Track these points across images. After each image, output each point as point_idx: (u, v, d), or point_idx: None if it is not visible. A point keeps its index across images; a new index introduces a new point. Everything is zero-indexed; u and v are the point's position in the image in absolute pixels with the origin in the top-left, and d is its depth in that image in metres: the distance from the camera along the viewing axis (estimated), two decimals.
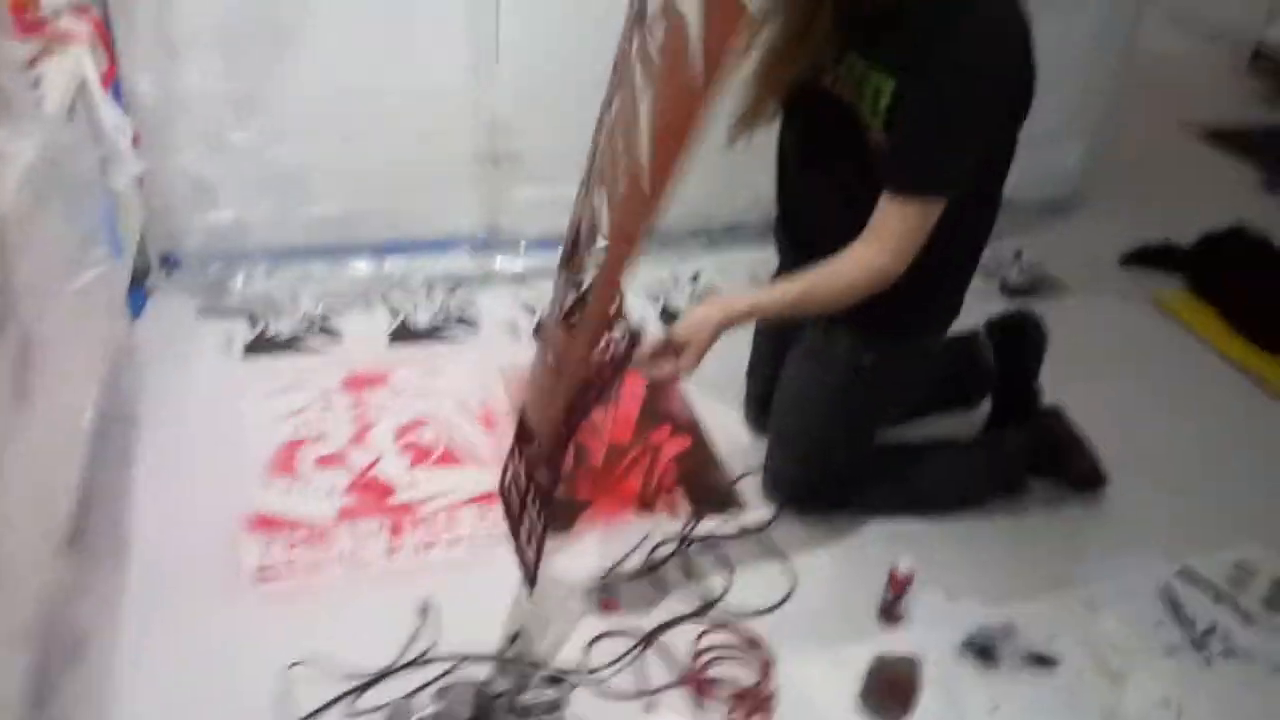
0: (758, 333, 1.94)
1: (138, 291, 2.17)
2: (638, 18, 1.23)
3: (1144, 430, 2.09)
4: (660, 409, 2.03)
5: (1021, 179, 2.90)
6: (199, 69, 2.02)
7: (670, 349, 1.42)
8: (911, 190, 1.40)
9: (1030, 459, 1.83)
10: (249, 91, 2.08)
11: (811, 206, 1.64)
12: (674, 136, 1.10)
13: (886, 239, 1.41)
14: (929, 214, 1.40)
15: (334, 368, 2.06)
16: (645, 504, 1.79)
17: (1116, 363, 2.32)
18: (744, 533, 1.74)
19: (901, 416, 1.90)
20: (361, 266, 2.32)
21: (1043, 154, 2.83)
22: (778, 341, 1.80)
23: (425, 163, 2.30)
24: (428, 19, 2.15)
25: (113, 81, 1.82)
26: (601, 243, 1.31)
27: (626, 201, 1.22)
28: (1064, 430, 1.86)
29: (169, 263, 2.22)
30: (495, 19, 2.18)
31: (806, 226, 1.66)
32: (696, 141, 1.09)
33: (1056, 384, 1.97)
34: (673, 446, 1.93)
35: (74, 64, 1.53)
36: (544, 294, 2.34)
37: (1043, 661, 1.55)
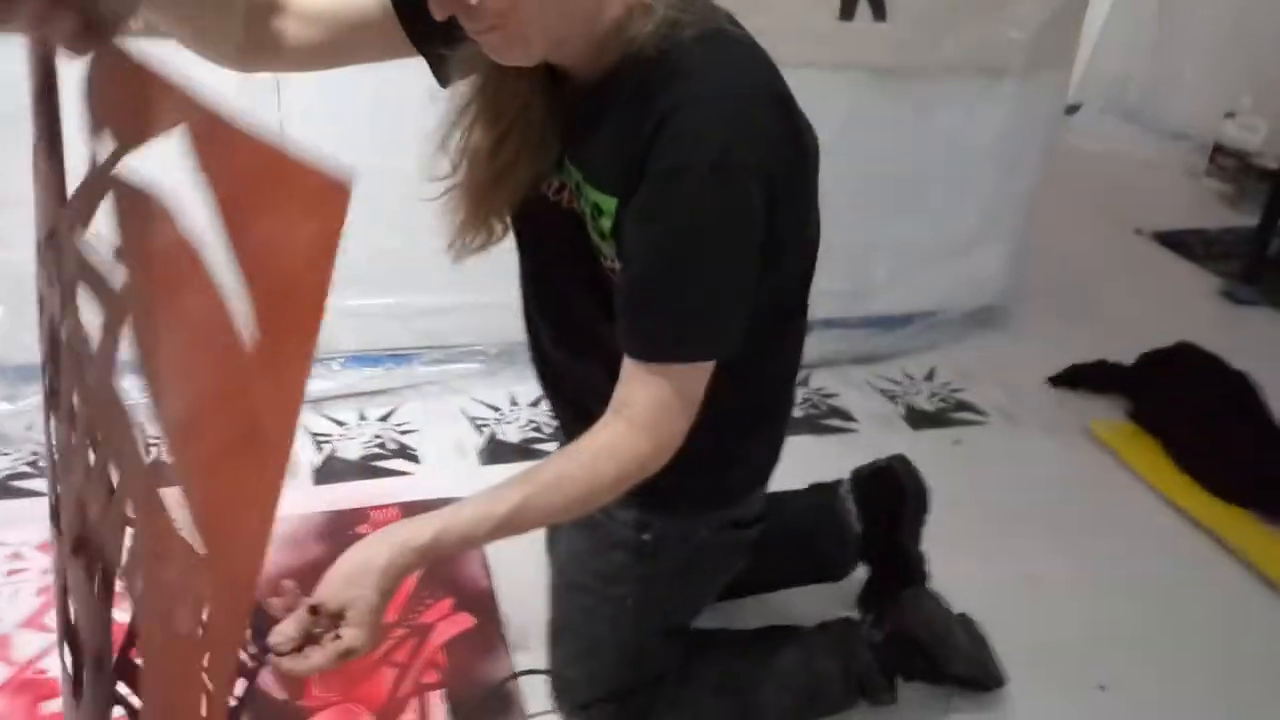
0: None
1: None
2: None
3: (1064, 607, 1.68)
4: (447, 573, 1.61)
5: (938, 288, 2.63)
6: None
7: (323, 623, 0.93)
8: (655, 359, 0.99)
9: (895, 658, 1.40)
10: None
11: (555, 344, 1.23)
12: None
13: (641, 417, 0.99)
14: (690, 379, 1.00)
15: (42, 520, 1.65)
16: (388, 713, 1.37)
17: (1037, 512, 1.90)
18: None
19: (737, 594, 1.48)
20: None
21: (960, 261, 2.49)
22: None
23: None
24: None
25: None
26: None
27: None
28: (934, 619, 1.43)
29: None
30: (275, 102, 1.85)
31: (554, 371, 1.26)
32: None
33: (965, 538, 1.59)
34: (448, 628, 1.51)
35: None
36: (344, 421, 1.99)
37: None
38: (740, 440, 1.20)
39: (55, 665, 1.36)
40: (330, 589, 0.94)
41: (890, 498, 1.52)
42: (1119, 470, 2.08)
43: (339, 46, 1.10)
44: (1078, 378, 2.35)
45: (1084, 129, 3.93)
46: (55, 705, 1.33)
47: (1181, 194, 3.70)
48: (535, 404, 2.09)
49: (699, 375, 1.01)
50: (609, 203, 1.00)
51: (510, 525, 0.99)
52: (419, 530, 0.97)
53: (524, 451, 1.94)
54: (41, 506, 1.61)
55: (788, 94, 1.00)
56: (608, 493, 1.02)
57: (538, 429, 2.01)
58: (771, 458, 1.28)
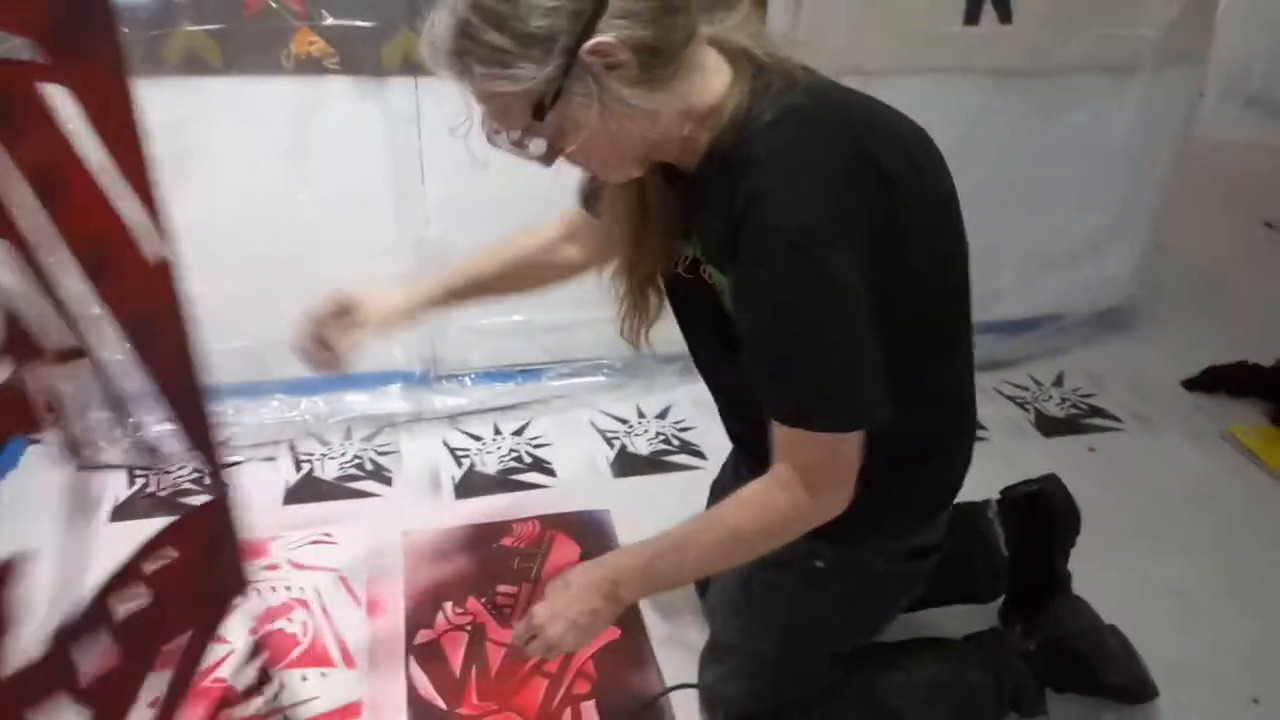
0: (714, 488, 1.59)
1: (17, 440, 1.92)
2: None
3: (1212, 618, 1.64)
4: None
5: (1065, 291, 2.58)
6: None
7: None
8: (798, 424, 1.03)
9: (1048, 669, 1.39)
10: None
11: (715, 393, 1.34)
12: None
13: (805, 474, 1.05)
14: (843, 446, 1.04)
15: None
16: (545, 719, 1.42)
17: (1179, 521, 1.86)
18: None
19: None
20: (272, 408, 2.03)
21: (1089, 262, 2.44)
22: None
23: (347, 289, 2.03)
24: (340, 133, 1.90)
25: None
26: None
27: None
28: (1088, 628, 1.42)
29: (50, 409, 1.97)
30: (416, 131, 1.93)
31: (722, 410, 1.36)
32: None
33: (1102, 548, 1.55)
34: (596, 641, 1.55)
35: None
36: (480, 436, 2.05)
37: None
38: (912, 473, 1.21)
39: (233, 672, 1.45)
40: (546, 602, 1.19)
41: (1042, 521, 1.51)
42: (1262, 475, 2.02)
43: (599, 244, 1.34)
44: (1214, 380, 2.28)
45: (1205, 118, 3.78)
46: (233, 712, 1.41)
47: None
48: (662, 415, 2.13)
49: (849, 441, 1.03)
50: (723, 280, 1.08)
51: (672, 556, 1.15)
52: (606, 562, 1.19)
53: (654, 464, 1.97)
54: None
55: (861, 153, 1.00)
56: (750, 539, 1.10)
57: (666, 441, 2.04)
58: (948, 487, 1.28)
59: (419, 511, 1.82)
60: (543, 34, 0.94)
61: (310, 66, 1.84)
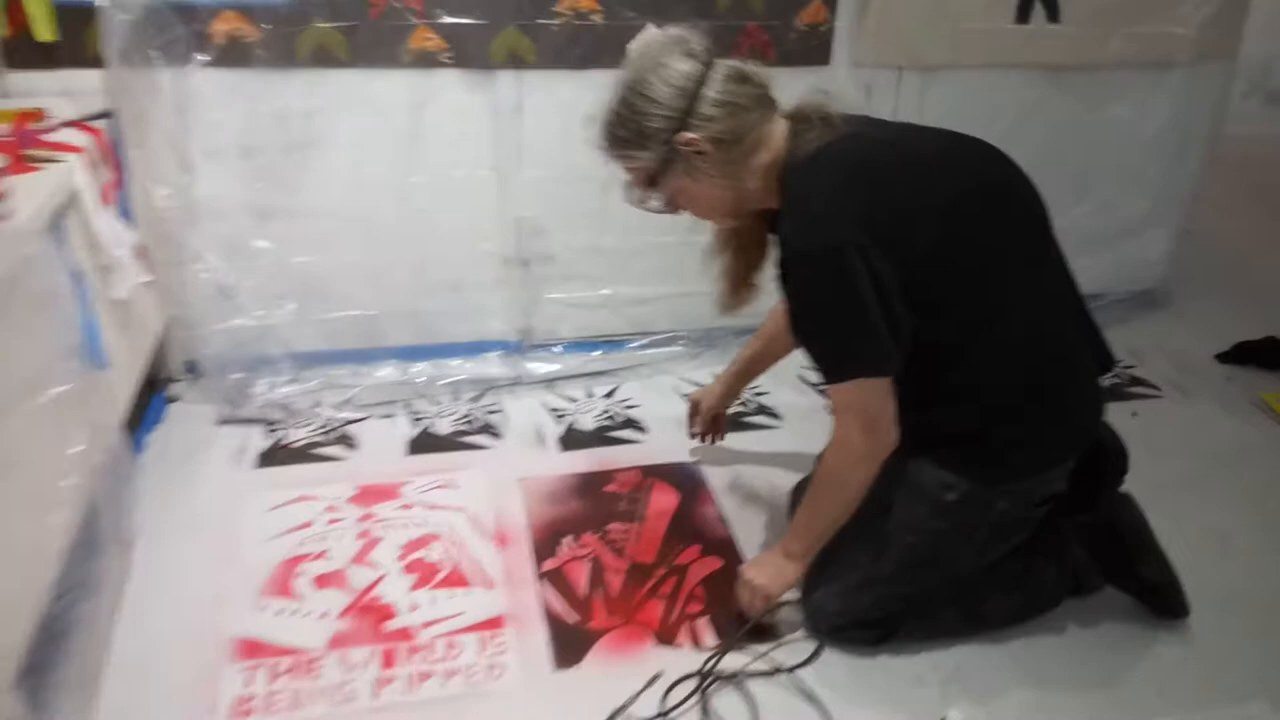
0: None
1: (158, 399, 2.12)
2: None
3: (1249, 556, 1.82)
4: (691, 525, 1.85)
5: (1103, 272, 2.76)
6: (216, 178, 2.01)
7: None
8: (827, 379, 1.42)
9: (1096, 548, 1.61)
10: (268, 199, 2.06)
11: None
12: None
13: (838, 425, 1.45)
14: (864, 394, 1.40)
15: (347, 479, 1.95)
16: (665, 635, 1.61)
17: (1216, 476, 2.04)
18: (776, 671, 1.54)
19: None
20: (387, 372, 2.23)
21: (1125, 245, 2.63)
22: None
23: (453, 264, 2.24)
24: (449, 123, 2.10)
25: (118, 193, 1.80)
26: None
27: None
28: (1135, 519, 1.64)
29: (191, 370, 2.17)
30: (518, 121, 2.12)
31: None
32: None
33: (1152, 500, 1.70)
34: (701, 569, 1.75)
35: (62, 177, 1.49)
36: (575, 398, 2.25)
37: None
38: (1024, 418, 1.44)
39: (389, 591, 1.66)
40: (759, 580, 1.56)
41: (1095, 455, 1.69)
42: None
43: None
44: (1245, 353, 2.47)
45: (1230, 114, 3.97)
46: (394, 623, 1.61)
47: None
48: None
49: (872, 388, 1.39)
50: None
51: (825, 517, 1.50)
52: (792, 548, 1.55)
53: (734, 424, 2.16)
54: (340, 468, 1.93)
55: (861, 176, 1.38)
56: (862, 475, 1.44)
57: (743, 404, 2.23)
58: (1065, 436, 1.49)
59: (529, 461, 2.02)
60: (650, 131, 1.40)
61: (426, 60, 2.04)
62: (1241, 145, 3.70)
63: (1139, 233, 2.59)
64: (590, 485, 1.96)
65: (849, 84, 2.24)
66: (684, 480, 1.98)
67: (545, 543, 1.80)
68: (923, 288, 1.36)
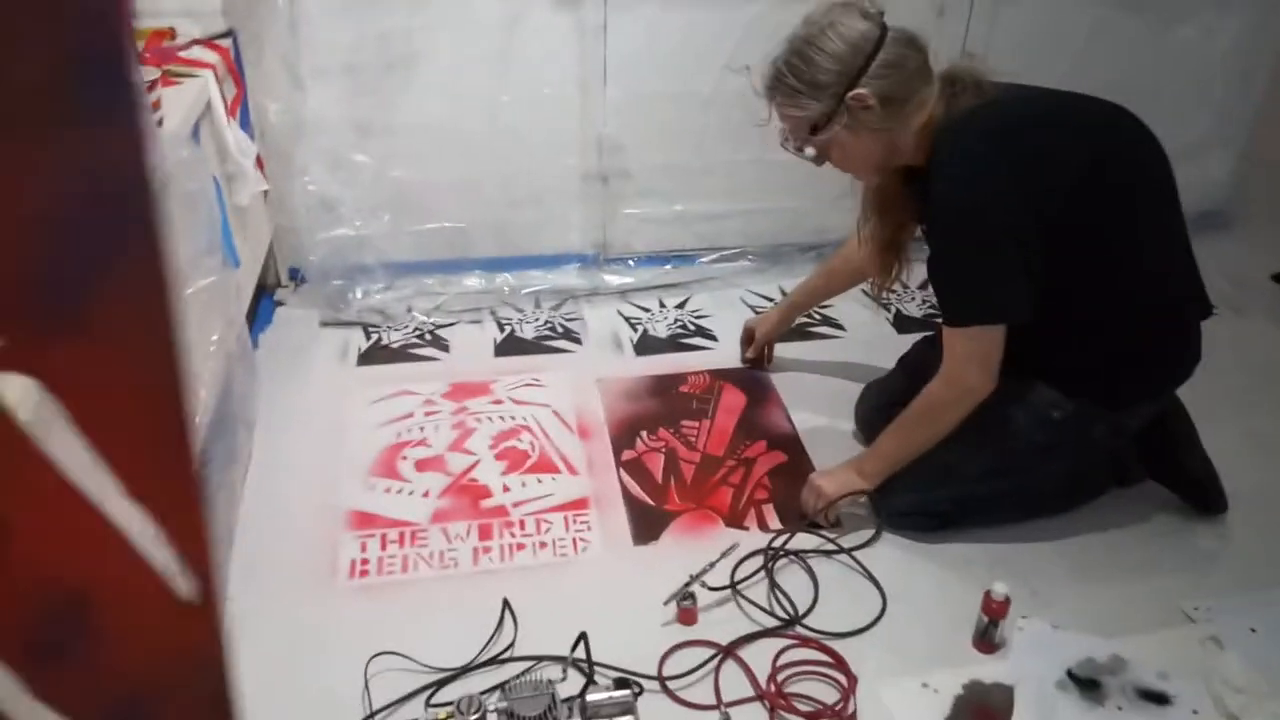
0: (901, 359, 1.97)
1: (267, 302, 2.31)
2: None
3: None
4: (758, 423, 2.00)
5: None
6: (323, 95, 2.15)
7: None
8: (950, 323, 1.55)
9: (1143, 442, 1.74)
10: (369, 115, 2.20)
11: None
12: None
13: (953, 363, 1.56)
14: (985, 338, 1.52)
15: (441, 377, 2.12)
16: (735, 517, 1.77)
17: (1260, 388, 2.14)
18: (837, 551, 1.69)
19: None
20: (473, 281, 2.39)
21: (1189, 165, 2.65)
22: (916, 374, 1.76)
23: (536, 180, 2.37)
24: (538, 41, 2.21)
25: (240, 107, 1.96)
26: None
27: None
28: (1181, 419, 1.76)
29: (295, 276, 2.35)
30: (603, 41, 2.23)
31: None
32: None
33: (1198, 413, 1.81)
34: (768, 461, 1.90)
35: (199, 90, 1.65)
36: (648, 308, 2.39)
37: (1154, 698, 1.43)
38: (1136, 356, 1.59)
39: (484, 475, 1.82)
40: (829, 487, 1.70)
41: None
42: None
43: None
44: None
45: None
46: (490, 502, 1.78)
47: None
48: None
49: (989, 337, 1.51)
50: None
51: (912, 441, 1.64)
52: (865, 464, 1.70)
53: (800, 333, 2.28)
54: (434, 367, 2.09)
55: (1010, 143, 1.51)
56: (957, 414, 1.58)
57: (809, 315, 2.35)
58: (1166, 376, 1.65)
59: (607, 364, 2.18)
60: (824, 83, 1.50)
61: None
62: None
63: (1204, 153, 2.63)
64: (664, 386, 2.11)
65: (924, 3, 2.30)
66: (752, 384, 2.12)
67: (623, 436, 1.95)
68: (1062, 239, 1.48)
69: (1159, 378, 1.65)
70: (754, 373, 2.15)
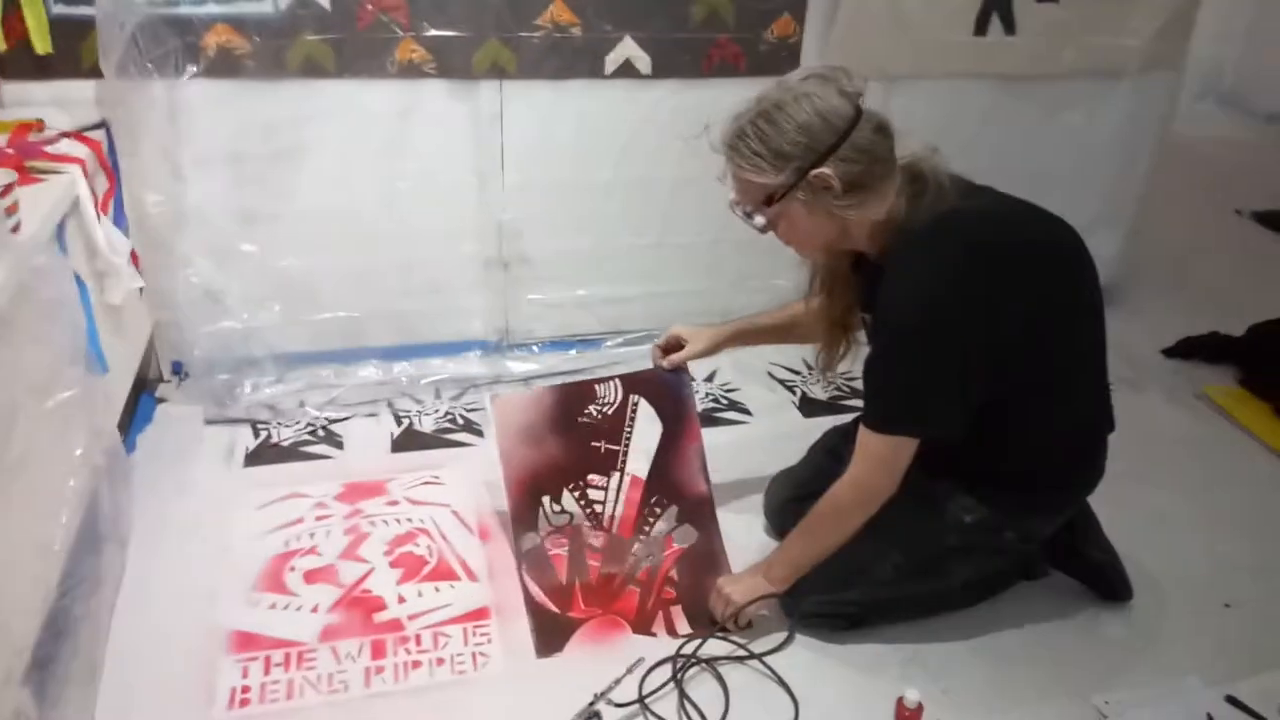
0: (813, 448, 1.94)
1: (147, 399, 2.18)
2: None
3: (1190, 540, 1.94)
4: (670, 476, 1.89)
5: None
6: (205, 185, 2.07)
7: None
8: (873, 425, 1.51)
9: (1046, 542, 1.73)
10: (256, 204, 2.12)
11: None
12: None
13: (864, 464, 1.54)
14: (903, 447, 1.50)
15: (333, 477, 2.02)
16: (643, 622, 1.70)
17: (1161, 464, 2.17)
18: (748, 656, 1.63)
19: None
20: (370, 371, 2.31)
21: None
22: (831, 460, 1.76)
23: (434, 267, 2.31)
24: (433, 130, 2.18)
25: (113, 201, 1.86)
26: None
27: None
28: (1081, 512, 1.76)
29: (178, 371, 2.23)
30: (499, 128, 2.20)
31: None
32: None
33: (1101, 493, 1.76)
34: (676, 553, 1.83)
35: (65, 187, 1.55)
36: None
37: None
38: (1062, 472, 1.62)
39: (378, 585, 1.73)
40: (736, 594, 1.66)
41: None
42: (1231, 428, 2.33)
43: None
44: (1190, 348, 2.60)
45: (1182, 115, 4.11)
46: (383, 615, 1.68)
47: (1278, 175, 3.87)
48: (709, 379, 2.41)
49: (903, 446, 1.49)
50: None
51: (816, 541, 1.61)
52: (773, 569, 1.66)
53: (708, 419, 2.25)
54: (327, 466, 1.99)
55: (974, 257, 1.44)
56: (860, 512, 1.55)
57: (716, 400, 2.33)
58: (1080, 485, 1.66)
59: None
60: (788, 154, 1.42)
61: (411, 71, 2.11)
62: (1194, 145, 3.86)
63: (1091, 233, 2.66)
64: (570, 407, 1.84)
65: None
66: (666, 398, 1.89)
67: (525, 510, 1.77)
68: (1007, 357, 1.46)
69: (1074, 490, 1.67)
70: (667, 377, 1.91)
